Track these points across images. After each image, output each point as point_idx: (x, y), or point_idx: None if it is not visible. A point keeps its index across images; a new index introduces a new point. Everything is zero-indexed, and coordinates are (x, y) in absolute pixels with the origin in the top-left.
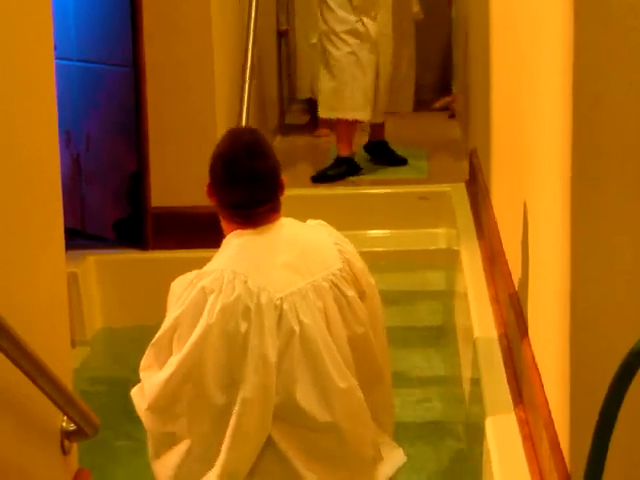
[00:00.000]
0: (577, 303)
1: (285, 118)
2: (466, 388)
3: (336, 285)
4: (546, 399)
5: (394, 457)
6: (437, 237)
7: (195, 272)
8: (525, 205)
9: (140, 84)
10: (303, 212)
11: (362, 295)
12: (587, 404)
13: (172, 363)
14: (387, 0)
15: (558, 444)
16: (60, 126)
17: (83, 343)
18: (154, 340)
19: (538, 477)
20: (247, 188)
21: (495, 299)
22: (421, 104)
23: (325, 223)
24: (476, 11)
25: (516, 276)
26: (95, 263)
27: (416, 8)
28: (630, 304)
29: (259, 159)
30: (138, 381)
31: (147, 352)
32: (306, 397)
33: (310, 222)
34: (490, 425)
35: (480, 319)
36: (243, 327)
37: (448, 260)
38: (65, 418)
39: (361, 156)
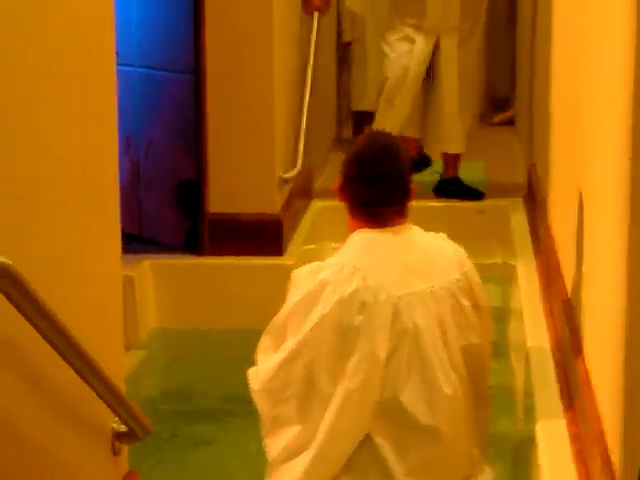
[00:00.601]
0: (633, 320)
1: (343, 131)
2: (519, 402)
3: (453, 294)
4: (599, 415)
5: (483, 472)
6: (494, 251)
7: (316, 263)
8: (582, 222)
9: (201, 92)
10: None
11: (477, 308)
12: None
13: (285, 348)
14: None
15: (610, 461)
16: (121, 132)
17: (137, 346)
18: (269, 326)
19: None
20: (378, 187)
21: (550, 314)
22: (480, 118)
23: (445, 236)
24: (541, 25)
25: (572, 292)
26: (151, 267)
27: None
28: None
29: (393, 161)
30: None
31: (263, 337)
32: (411, 398)
33: (432, 234)
34: (542, 440)
35: (534, 333)
36: (357, 320)
37: (504, 274)
38: (116, 419)
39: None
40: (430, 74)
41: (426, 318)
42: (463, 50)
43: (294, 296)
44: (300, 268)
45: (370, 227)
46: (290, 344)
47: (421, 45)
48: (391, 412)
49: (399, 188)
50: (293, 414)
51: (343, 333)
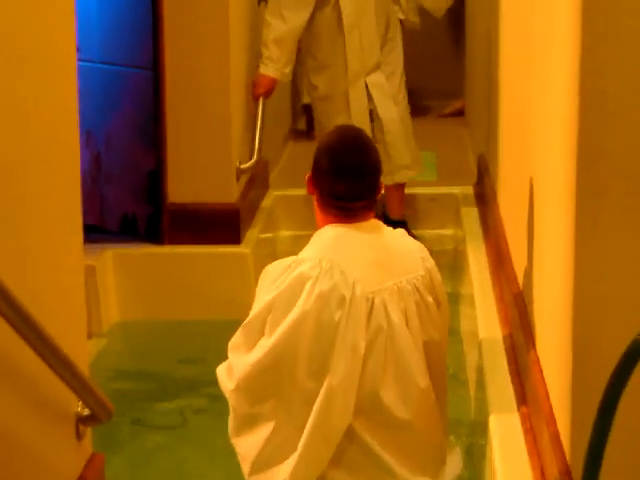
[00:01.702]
0: (579, 303)
1: (297, 124)
2: (471, 385)
3: (418, 290)
4: (548, 395)
5: (453, 452)
6: (444, 238)
7: (292, 258)
8: (531, 208)
9: (160, 87)
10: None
11: (438, 305)
12: (587, 400)
13: (264, 345)
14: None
15: (559, 437)
16: (81, 126)
17: (99, 335)
18: (246, 321)
19: (538, 468)
20: (351, 180)
21: (501, 299)
22: (430, 109)
23: (405, 233)
24: (494, 22)
25: (521, 277)
26: (112, 256)
27: (416, 18)
28: (629, 303)
29: (366, 155)
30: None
31: (238, 332)
32: (389, 393)
33: (392, 230)
34: (493, 419)
35: (485, 318)
36: (337, 315)
37: (455, 260)
38: (80, 403)
39: None
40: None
41: (397, 314)
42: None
43: (271, 291)
44: (274, 262)
45: (339, 221)
46: (270, 340)
47: (355, 103)
48: (370, 407)
49: (372, 182)
50: (270, 412)
51: (323, 328)
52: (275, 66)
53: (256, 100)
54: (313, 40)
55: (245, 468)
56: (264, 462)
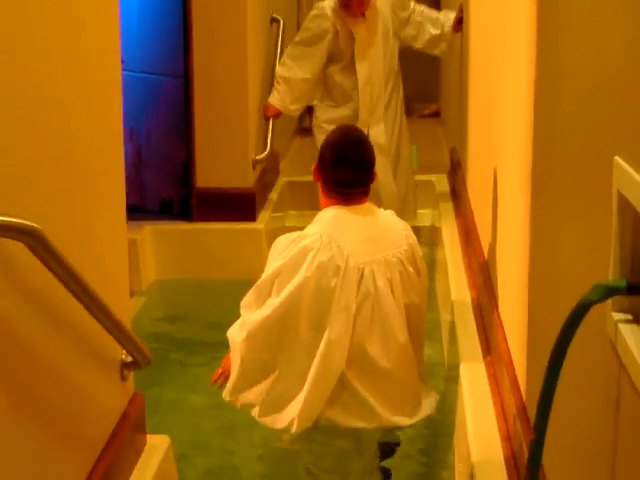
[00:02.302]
0: (533, 272)
1: (303, 122)
2: (444, 339)
3: (402, 262)
4: (508, 348)
5: (430, 395)
6: (423, 216)
7: (297, 233)
8: (494, 192)
9: (190, 92)
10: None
11: (418, 274)
12: (539, 352)
13: (272, 304)
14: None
15: (516, 382)
16: (125, 124)
17: (140, 294)
18: (258, 283)
19: (500, 406)
20: (350, 170)
21: (469, 267)
22: (412, 111)
23: (394, 213)
24: (465, 34)
25: (486, 249)
26: (151, 232)
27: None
28: (576, 272)
29: (363, 150)
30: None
31: (250, 291)
32: (374, 347)
33: (383, 211)
34: (463, 367)
35: (457, 283)
36: (333, 282)
37: (431, 235)
38: (124, 351)
39: None
40: None
41: (383, 281)
42: (391, 131)
43: (279, 260)
44: (283, 236)
45: (339, 204)
46: (277, 300)
47: None
48: (359, 358)
49: (367, 173)
50: (275, 360)
51: (322, 292)
52: (279, 97)
53: (267, 121)
54: (331, 85)
55: (254, 412)
56: (271, 406)
